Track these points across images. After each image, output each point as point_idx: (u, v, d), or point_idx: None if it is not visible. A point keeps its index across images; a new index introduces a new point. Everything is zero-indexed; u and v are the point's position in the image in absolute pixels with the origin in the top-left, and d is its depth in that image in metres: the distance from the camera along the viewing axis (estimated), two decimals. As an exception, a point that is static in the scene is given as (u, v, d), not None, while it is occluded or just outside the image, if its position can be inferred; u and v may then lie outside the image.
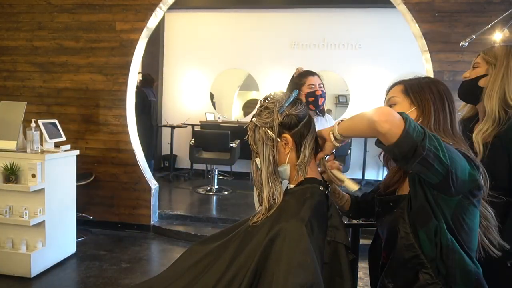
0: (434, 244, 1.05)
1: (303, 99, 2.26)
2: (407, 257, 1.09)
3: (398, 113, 0.97)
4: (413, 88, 1.19)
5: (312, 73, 2.28)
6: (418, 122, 1.11)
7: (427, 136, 0.95)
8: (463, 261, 1.05)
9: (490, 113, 1.37)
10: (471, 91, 1.46)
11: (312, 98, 2.22)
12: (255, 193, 1.31)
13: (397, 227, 1.12)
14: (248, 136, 1.28)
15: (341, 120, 1.16)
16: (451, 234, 1.06)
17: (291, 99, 1.24)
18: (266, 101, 1.26)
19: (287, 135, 1.23)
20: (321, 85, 2.26)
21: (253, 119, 1.27)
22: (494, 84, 1.38)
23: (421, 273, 1.07)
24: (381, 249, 1.23)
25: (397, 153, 0.98)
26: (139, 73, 5.48)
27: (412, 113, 1.16)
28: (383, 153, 1.28)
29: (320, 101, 2.24)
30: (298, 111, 1.24)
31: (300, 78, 2.28)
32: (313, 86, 2.23)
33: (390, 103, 1.22)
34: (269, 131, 1.23)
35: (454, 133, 1.16)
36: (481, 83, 1.42)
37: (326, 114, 2.39)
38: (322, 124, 2.30)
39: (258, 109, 1.27)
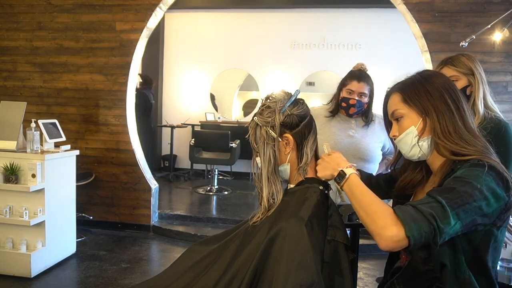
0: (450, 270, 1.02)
1: (338, 101, 2.16)
2: (423, 270, 1.05)
3: (400, 217, 0.93)
4: (411, 96, 1.11)
5: (358, 79, 2.11)
6: (424, 134, 1.09)
7: (437, 232, 0.91)
8: None
9: (480, 114, 1.65)
10: None
11: (344, 104, 2.12)
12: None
13: None
14: (249, 135, 1.28)
15: (358, 171, 1.12)
16: (470, 264, 1.02)
17: (293, 99, 1.24)
18: (268, 100, 1.26)
19: (288, 135, 1.23)
20: (363, 94, 2.10)
21: (254, 118, 1.27)
22: (478, 91, 1.66)
23: (435, 287, 1.05)
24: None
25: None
26: (138, 74, 5.48)
27: (421, 124, 1.10)
28: (394, 164, 1.27)
29: (351, 110, 2.11)
30: (299, 111, 1.24)
31: (346, 78, 2.16)
32: (351, 92, 2.10)
33: (396, 117, 1.14)
34: (270, 131, 1.23)
35: (468, 130, 1.07)
36: (468, 91, 1.68)
37: (372, 121, 2.21)
38: (367, 134, 2.16)
39: (259, 108, 1.26)
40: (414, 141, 1.10)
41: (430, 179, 1.17)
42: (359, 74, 2.15)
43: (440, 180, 1.06)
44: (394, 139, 1.16)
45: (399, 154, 1.22)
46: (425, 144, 1.10)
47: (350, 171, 1.12)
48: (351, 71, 2.21)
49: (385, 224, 0.93)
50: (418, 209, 0.93)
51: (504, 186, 0.98)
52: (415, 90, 1.11)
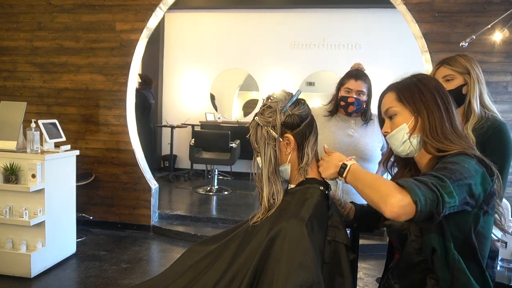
0: (441, 257, 1.04)
1: (336, 102, 2.19)
2: (417, 261, 1.09)
3: (404, 186, 0.94)
4: (405, 94, 1.16)
5: (356, 77, 2.13)
6: (415, 132, 1.13)
7: (440, 201, 0.93)
8: (468, 282, 1.03)
9: (475, 113, 1.68)
10: (457, 99, 1.64)
11: (343, 103, 2.14)
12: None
13: (407, 231, 1.12)
14: (250, 135, 1.28)
15: (353, 162, 1.14)
16: (461, 251, 1.04)
17: (294, 99, 1.24)
18: (269, 100, 1.26)
19: (289, 135, 1.23)
20: (361, 92, 2.11)
21: (255, 118, 1.26)
22: (474, 90, 1.67)
23: (429, 278, 1.07)
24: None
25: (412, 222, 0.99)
26: (138, 74, 5.48)
27: (412, 122, 1.14)
28: (387, 160, 1.29)
29: (350, 108, 2.12)
30: (301, 111, 1.24)
31: (344, 78, 2.18)
32: (349, 91, 2.12)
33: (389, 114, 1.18)
34: (271, 130, 1.22)
35: (455, 130, 1.12)
36: (464, 90, 1.70)
37: (372, 121, 2.21)
38: (366, 134, 2.17)
39: (261, 108, 1.26)
40: (405, 137, 1.15)
41: None
42: (356, 73, 2.17)
43: None
44: (386, 136, 1.21)
45: (390, 151, 1.26)
46: (414, 141, 1.15)
47: (350, 163, 1.15)
48: (349, 71, 2.24)
49: (389, 192, 0.94)
50: (419, 180, 0.96)
51: (487, 171, 1.03)
52: (410, 91, 1.16)
